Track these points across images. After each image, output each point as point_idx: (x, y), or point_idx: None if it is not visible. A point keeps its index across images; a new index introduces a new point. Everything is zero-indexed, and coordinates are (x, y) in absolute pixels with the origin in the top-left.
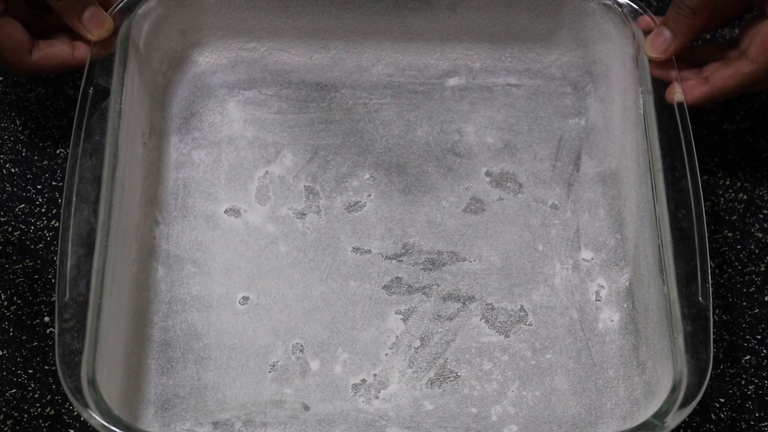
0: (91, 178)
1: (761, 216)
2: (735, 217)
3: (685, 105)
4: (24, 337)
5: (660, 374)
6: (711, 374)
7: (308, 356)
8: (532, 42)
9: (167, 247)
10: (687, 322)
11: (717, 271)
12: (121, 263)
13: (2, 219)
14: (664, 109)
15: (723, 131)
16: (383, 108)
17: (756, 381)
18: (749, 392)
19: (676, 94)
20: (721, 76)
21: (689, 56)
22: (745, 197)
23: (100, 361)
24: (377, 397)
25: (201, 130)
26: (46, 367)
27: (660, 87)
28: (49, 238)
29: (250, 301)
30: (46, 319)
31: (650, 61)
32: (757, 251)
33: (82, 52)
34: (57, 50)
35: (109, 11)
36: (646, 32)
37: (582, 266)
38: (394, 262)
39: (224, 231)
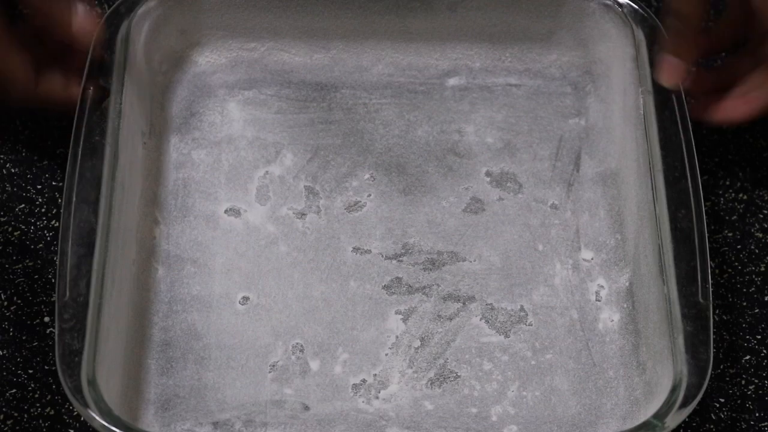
0: (91, 178)
1: (761, 216)
2: (735, 217)
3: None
4: (24, 337)
5: (660, 374)
6: (711, 374)
7: (308, 356)
8: (532, 42)
9: (167, 247)
10: (687, 322)
11: (717, 271)
12: (121, 263)
13: (2, 219)
14: (664, 109)
15: (723, 131)
16: (383, 108)
17: (756, 381)
18: (749, 392)
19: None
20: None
21: (717, 78)
22: (745, 197)
23: (100, 361)
24: (377, 397)
25: (201, 130)
26: (46, 367)
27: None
28: (49, 238)
29: (250, 301)
30: (46, 319)
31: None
32: (757, 251)
33: (74, 90)
34: (57, 85)
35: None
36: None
37: (582, 266)
38: (394, 262)
39: (224, 231)
